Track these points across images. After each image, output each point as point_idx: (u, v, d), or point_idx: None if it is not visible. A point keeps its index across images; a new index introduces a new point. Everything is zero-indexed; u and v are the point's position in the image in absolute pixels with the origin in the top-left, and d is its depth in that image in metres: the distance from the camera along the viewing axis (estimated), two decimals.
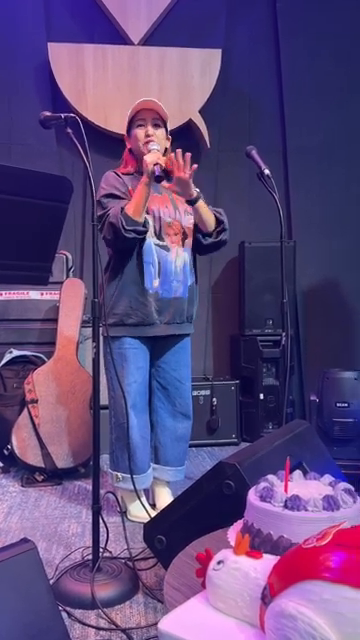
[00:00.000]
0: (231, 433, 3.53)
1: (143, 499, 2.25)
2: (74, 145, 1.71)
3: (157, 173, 2.06)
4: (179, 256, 2.27)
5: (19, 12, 3.66)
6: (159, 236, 2.24)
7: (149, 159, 2.10)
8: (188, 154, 2.10)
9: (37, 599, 1.18)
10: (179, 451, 2.39)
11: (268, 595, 0.75)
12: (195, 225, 2.32)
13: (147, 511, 2.14)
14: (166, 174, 2.11)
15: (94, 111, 3.62)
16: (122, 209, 2.11)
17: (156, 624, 1.52)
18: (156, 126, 2.27)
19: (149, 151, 2.17)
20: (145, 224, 2.16)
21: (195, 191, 2.19)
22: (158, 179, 2.08)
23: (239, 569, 0.83)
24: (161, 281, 2.23)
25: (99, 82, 3.63)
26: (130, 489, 2.19)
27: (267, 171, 2.31)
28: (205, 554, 0.91)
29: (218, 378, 3.66)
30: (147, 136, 2.24)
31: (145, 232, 2.17)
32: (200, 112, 3.73)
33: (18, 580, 1.16)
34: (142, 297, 2.21)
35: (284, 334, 2.33)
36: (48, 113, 1.83)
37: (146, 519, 1.87)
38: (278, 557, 0.82)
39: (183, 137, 3.76)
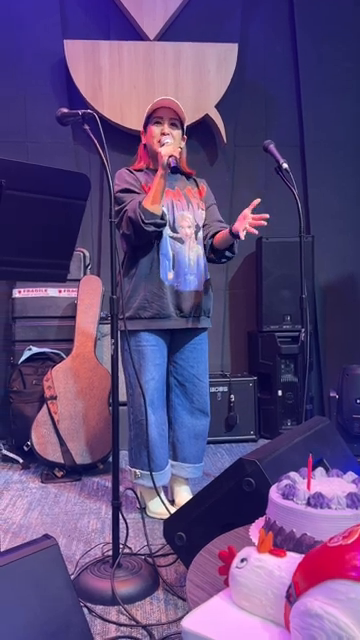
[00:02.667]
0: (249, 430, 3.51)
1: (162, 495, 2.25)
2: (90, 142, 1.71)
3: (173, 164, 2.07)
4: (192, 249, 2.27)
5: (34, 10, 3.67)
6: (173, 228, 2.24)
7: (164, 151, 2.12)
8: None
9: (59, 595, 1.18)
10: (197, 448, 2.39)
11: (293, 594, 0.74)
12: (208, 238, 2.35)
13: (166, 507, 2.14)
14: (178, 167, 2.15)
15: (110, 108, 3.62)
16: (140, 203, 2.11)
17: (177, 621, 1.53)
18: (173, 125, 2.27)
19: (162, 145, 2.18)
20: (163, 216, 2.16)
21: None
22: (174, 170, 2.09)
23: (263, 567, 0.82)
24: (176, 273, 2.23)
25: (115, 78, 3.63)
26: (149, 486, 2.20)
27: (285, 165, 2.28)
28: (228, 552, 0.90)
29: (236, 375, 3.65)
30: (162, 134, 2.24)
31: (164, 224, 2.18)
32: (216, 107, 3.71)
33: (40, 576, 1.16)
34: (158, 289, 2.21)
35: (303, 330, 2.31)
36: (65, 110, 1.83)
37: (165, 515, 1.87)
38: (302, 555, 0.81)
39: (199, 132, 3.75)
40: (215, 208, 2.44)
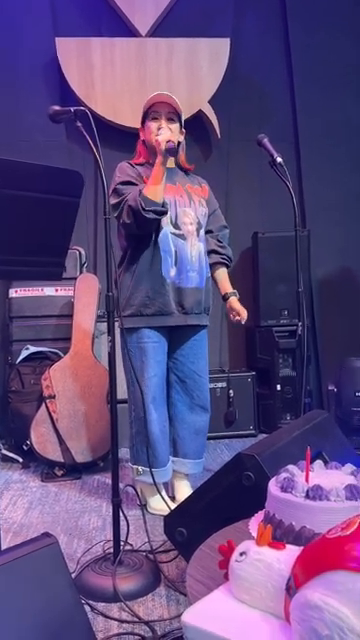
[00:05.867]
0: (249, 425, 3.52)
1: (163, 492, 2.25)
2: (84, 140, 1.70)
3: (171, 146, 2.09)
4: (194, 246, 2.27)
5: (25, 8, 3.65)
6: (175, 225, 2.23)
7: (161, 138, 2.12)
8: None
9: (59, 593, 1.18)
10: (197, 444, 2.39)
11: (293, 586, 0.74)
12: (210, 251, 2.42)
13: (167, 504, 2.14)
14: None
15: (103, 105, 3.61)
16: (140, 191, 2.12)
17: (179, 616, 1.53)
18: (170, 120, 2.26)
19: (159, 135, 2.18)
20: (164, 204, 2.16)
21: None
22: (173, 152, 2.11)
23: (262, 560, 0.82)
24: (177, 270, 2.23)
25: (107, 75, 3.62)
26: (150, 482, 2.20)
27: (279, 159, 2.28)
28: (227, 546, 0.90)
29: (234, 370, 3.65)
30: (159, 128, 2.23)
31: (165, 212, 2.18)
32: (210, 102, 3.70)
33: (40, 574, 1.16)
34: (160, 286, 2.21)
35: (300, 324, 2.31)
36: (57, 107, 1.83)
37: (166, 512, 1.87)
38: (301, 548, 0.81)
39: (193, 128, 3.73)
40: (219, 212, 2.48)
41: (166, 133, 2.16)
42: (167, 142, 2.10)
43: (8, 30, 3.65)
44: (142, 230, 2.18)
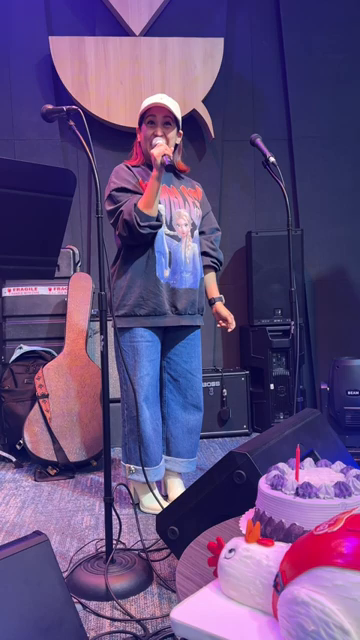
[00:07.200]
0: (242, 424, 3.52)
1: (155, 491, 2.25)
2: (78, 138, 1.70)
3: (167, 162, 2.07)
4: (188, 247, 2.27)
5: (19, 7, 3.64)
6: (170, 226, 2.24)
7: (156, 152, 2.10)
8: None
9: (50, 591, 1.18)
10: (191, 443, 2.39)
11: (280, 582, 0.74)
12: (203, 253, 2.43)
13: (159, 502, 2.14)
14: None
15: (97, 104, 3.61)
16: (135, 205, 2.11)
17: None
18: (167, 124, 2.24)
19: (154, 146, 2.16)
20: (159, 217, 2.16)
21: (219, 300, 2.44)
22: (168, 168, 2.09)
23: (251, 557, 0.82)
24: (172, 271, 2.24)
25: (101, 74, 3.62)
26: (143, 481, 2.20)
27: (272, 158, 2.29)
28: (216, 543, 0.90)
29: (228, 369, 3.65)
30: (154, 136, 2.23)
31: (159, 226, 2.18)
32: (204, 102, 3.70)
33: (31, 572, 1.16)
34: (154, 287, 2.21)
35: (293, 323, 2.31)
36: (50, 106, 1.82)
37: (158, 510, 1.88)
38: (290, 544, 0.82)
39: (187, 127, 3.74)
40: (212, 215, 2.49)
41: (160, 148, 2.11)
42: (163, 156, 2.07)
43: (2, 28, 3.64)
44: (137, 242, 2.19)
